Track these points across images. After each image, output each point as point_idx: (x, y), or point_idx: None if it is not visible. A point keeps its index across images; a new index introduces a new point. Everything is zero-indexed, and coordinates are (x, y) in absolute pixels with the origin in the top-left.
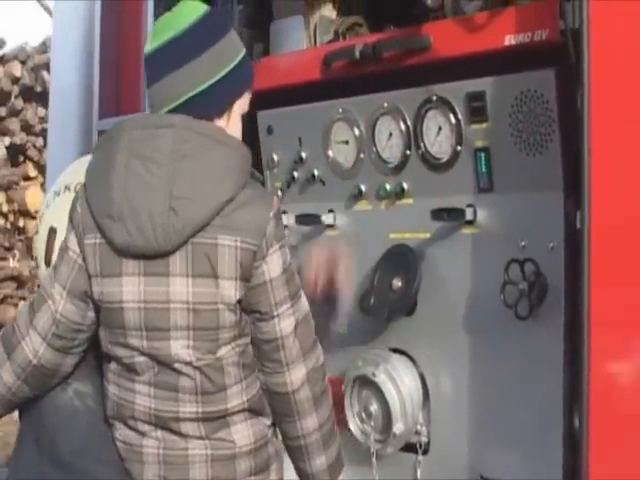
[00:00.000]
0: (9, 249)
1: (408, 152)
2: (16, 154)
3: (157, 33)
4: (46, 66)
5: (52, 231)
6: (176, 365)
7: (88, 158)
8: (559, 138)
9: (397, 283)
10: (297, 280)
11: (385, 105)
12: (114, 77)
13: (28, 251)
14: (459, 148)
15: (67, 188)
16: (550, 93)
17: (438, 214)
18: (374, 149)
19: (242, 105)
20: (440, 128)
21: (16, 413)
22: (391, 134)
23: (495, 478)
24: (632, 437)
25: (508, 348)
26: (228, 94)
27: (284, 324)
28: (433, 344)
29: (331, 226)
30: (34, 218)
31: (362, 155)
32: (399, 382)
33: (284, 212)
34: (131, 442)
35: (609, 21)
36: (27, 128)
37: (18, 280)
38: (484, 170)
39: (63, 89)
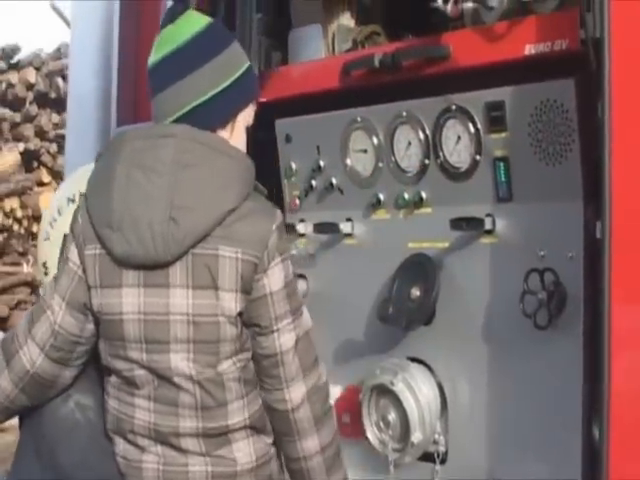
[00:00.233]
0: (23, 254)
1: (427, 161)
2: (30, 160)
3: (160, 44)
4: (60, 72)
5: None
6: (176, 379)
7: None
8: (579, 147)
9: (416, 292)
10: (299, 295)
11: (404, 114)
12: (132, 81)
13: None
14: (478, 157)
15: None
16: (570, 103)
17: (457, 223)
18: (393, 158)
19: (246, 117)
20: (459, 137)
21: (16, 421)
22: (410, 143)
23: None
24: None
25: (527, 358)
26: (232, 105)
27: (284, 339)
28: (451, 353)
29: (349, 235)
30: None
31: (380, 164)
32: (417, 391)
33: (302, 220)
34: (130, 457)
35: (630, 31)
36: (41, 134)
37: (32, 285)
38: (503, 179)
39: (81, 94)
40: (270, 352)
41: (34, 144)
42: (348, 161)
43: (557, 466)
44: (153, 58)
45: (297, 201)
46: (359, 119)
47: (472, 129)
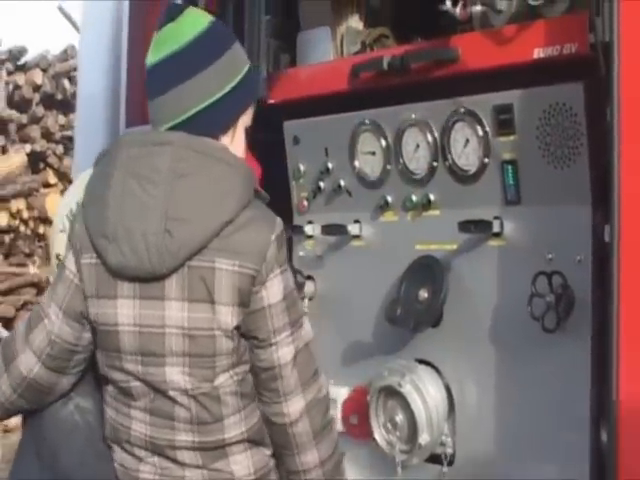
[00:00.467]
0: (29, 255)
1: (435, 164)
2: (36, 161)
3: (160, 43)
4: (67, 74)
5: None
6: (171, 393)
7: None
8: (587, 151)
9: (423, 294)
10: (300, 307)
11: (412, 116)
12: (141, 83)
13: (48, 258)
14: (486, 160)
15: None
16: (578, 106)
17: (465, 226)
18: (401, 160)
19: (246, 119)
20: (467, 140)
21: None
22: (418, 145)
23: None
24: None
25: (534, 361)
26: (235, 108)
27: (282, 352)
28: (459, 356)
29: (357, 237)
30: None
31: (389, 166)
32: (425, 393)
33: (310, 222)
34: (128, 466)
35: (639, 35)
36: (47, 135)
37: (38, 286)
38: (511, 182)
39: (90, 94)
40: (268, 365)
41: (40, 145)
42: (356, 163)
43: (564, 469)
44: (153, 58)
45: (305, 203)
46: (367, 121)
47: (480, 132)
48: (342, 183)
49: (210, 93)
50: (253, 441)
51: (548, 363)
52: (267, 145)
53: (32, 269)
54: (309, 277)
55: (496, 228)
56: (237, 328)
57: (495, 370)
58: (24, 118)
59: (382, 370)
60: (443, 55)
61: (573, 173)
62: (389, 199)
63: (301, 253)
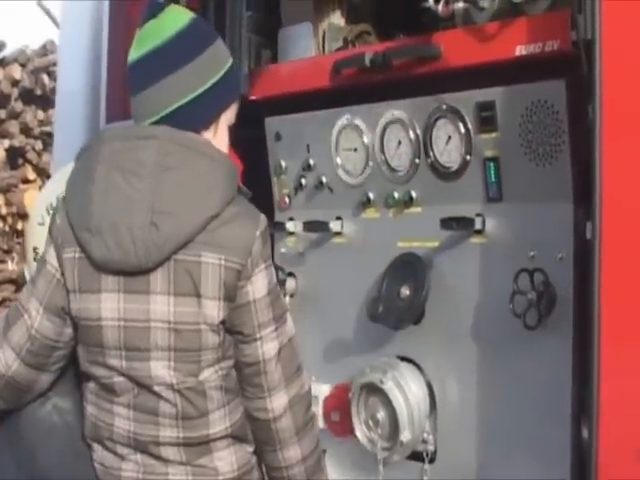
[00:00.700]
0: (7, 252)
1: (417, 161)
2: (15, 157)
3: (142, 40)
4: (46, 69)
5: None
6: (156, 388)
7: None
8: (569, 148)
9: (405, 291)
10: (283, 302)
11: (394, 113)
12: (122, 79)
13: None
14: (468, 157)
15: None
16: (560, 103)
17: (447, 223)
18: (383, 157)
19: (229, 116)
20: (449, 137)
21: None
22: (400, 142)
23: None
24: None
25: (516, 358)
26: (216, 104)
27: (267, 347)
28: (441, 353)
29: (339, 233)
30: None
31: (371, 163)
32: (407, 390)
33: (291, 219)
34: (109, 464)
35: (621, 32)
36: (26, 131)
37: (16, 283)
38: (493, 180)
39: (70, 91)
40: (252, 360)
41: (19, 141)
42: (338, 160)
43: (546, 466)
44: (135, 54)
45: (287, 199)
46: (349, 118)
47: (462, 129)
48: (324, 180)
49: (192, 88)
50: (236, 437)
51: (530, 360)
52: (248, 141)
53: (11, 265)
54: (290, 274)
55: (478, 225)
56: (223, 323)
57: (477, 367)
58: (2, 113)
59: (364, 367)
60: (425, 52)
61: (555, 170)
62: (371, 196)
63: (282, 250)
